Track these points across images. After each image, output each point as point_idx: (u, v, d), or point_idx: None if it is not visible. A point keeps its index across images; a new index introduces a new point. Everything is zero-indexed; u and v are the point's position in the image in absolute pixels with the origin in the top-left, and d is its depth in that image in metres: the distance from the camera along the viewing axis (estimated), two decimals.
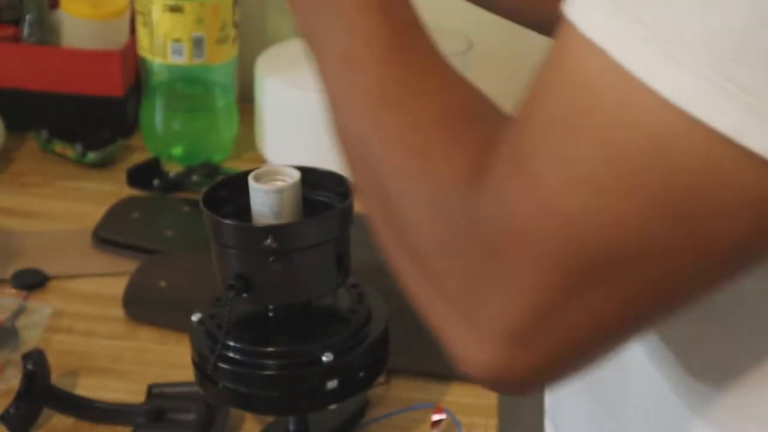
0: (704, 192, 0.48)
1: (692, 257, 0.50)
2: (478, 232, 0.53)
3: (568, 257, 0.50)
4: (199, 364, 0.89)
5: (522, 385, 0.55)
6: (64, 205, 1.31)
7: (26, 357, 0.98)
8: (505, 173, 0.52)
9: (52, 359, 1.00)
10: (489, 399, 1.03)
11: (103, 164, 1.38)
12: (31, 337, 1.08)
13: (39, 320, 1.11)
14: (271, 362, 0.86)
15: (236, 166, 1.36)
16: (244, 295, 0.84)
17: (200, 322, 0.89)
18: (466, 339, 0.54)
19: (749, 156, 0.47)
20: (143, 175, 1.34)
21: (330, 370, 0.86)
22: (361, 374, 0.88)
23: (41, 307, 1.13)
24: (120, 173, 1.35)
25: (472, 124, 0.57)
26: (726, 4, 0.46)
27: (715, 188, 0.48)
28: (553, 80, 0.51)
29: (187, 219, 1.26)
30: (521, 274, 0.51)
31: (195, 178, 1.32)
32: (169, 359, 1.07)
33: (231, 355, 0.86)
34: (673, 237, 0.49)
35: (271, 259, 0.83)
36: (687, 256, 0.50)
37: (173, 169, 1.35)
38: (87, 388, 1.03)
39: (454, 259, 0.54)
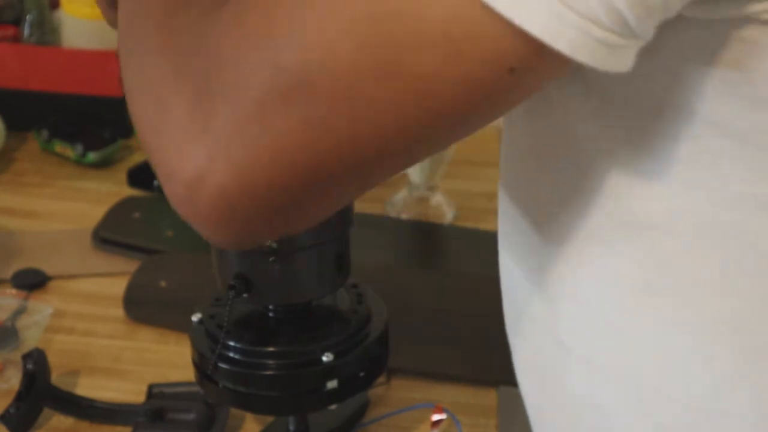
0: (402, 19, 0.51)
1: (378, 90, 0.53)
2: (206, 54, 0.58)
3: (271, 79, 0.54)
4: (200, 364, 0.89)
5: (217, 207, 0.57)
6: (64, 205, 1.31)
7: (26, 357, 0.98)
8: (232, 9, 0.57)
9: (52, 359, 1.00)
10: (489, 399, 1.03)
11: (103, 164, 1.38)
12: (31, 337, 1.08)
13: (39, 320, 1.11)
14: (271, 362, 0.86)
15: None
16: (244, 295, 0.84)
17: (200, 322, 0.89)
18: (178, 147, 0.57)
19: None
20: (143, 175, 1.34)
21: (330, 370, 0.86)
22: (361, 374, 0.88)
23: (41, 307, 1.13)
24: (120, 173, 1.35)
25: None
26: None
27: (412, 17, 0.51)
28: None
29: None
30: (235, 91, 0.55)
31: None
32: (169, 359, 1.07)
33: (231, 355, 0.86)
34: (364, 63, 0.52)
35: (271, 259, 0.83)
36: (373, 85, 0.53)
37: None
38: (87, 388, 1.03)
39: (186, 78, 0.58)
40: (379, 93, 0.53)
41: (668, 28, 0.55)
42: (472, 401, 1.02)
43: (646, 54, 0.55)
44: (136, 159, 1.38)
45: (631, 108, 0.60)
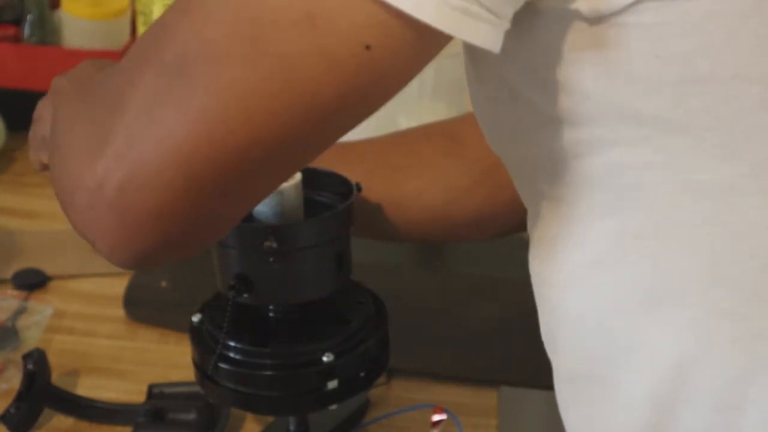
0: (266, 1, 0.54)
1: (245, 71, 0.55)
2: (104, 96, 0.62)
3: (155, 80, 0.57)
4: (200, 364, 0.89)
5: (115, 209, 0.60)
6: None
7: (27, 357, 0.98)
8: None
9: (52, 359, 1.00)
10: (489, 399, 1.03)
11: None
12: (31, 337, 1.08)
13: (39, 320, 1.11)
14: (271, 362, 0.86)
15: None
16: (245, 295, 0.84)
17: (200, 322, 0.89)
18: (81, 164, 0.61)
19: None
20: None
21: (330, 370, 0.86)
22: (362, 374, 0.88)
23: (42, 307, 1.13)
24: None
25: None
26: None
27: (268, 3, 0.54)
28: None
29: None
30: (126, 102, 0.59)
31: None
32: (169, 359, 1.07)
33: (231, 355, 0.86)
34: (231, 46, 0.55)
35: (271, 259, 0.83)
36: (240, 67, 0.55)
37: None
38: (87, 388, 1.03)
39: (88, 114, 0.63)
40: (246, 74, 0.55)
41: (534, 18, 0.58)
42: (472, 401, 1.02)
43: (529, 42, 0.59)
44: None
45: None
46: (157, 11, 1.32)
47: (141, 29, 1.35)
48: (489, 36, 0.56)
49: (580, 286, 0.67)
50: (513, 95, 0.64)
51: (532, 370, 0.87)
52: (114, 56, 1.39)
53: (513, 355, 1.06)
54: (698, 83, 0.58)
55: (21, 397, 0.96)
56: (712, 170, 0.60)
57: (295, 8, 0.54)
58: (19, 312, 1.12)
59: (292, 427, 0.93)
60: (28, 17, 1.42)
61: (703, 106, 0.58)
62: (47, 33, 1.43)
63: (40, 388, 0.97)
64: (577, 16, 0.58)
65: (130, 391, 1.02)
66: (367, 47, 0.54)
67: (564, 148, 0.63)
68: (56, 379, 1.01)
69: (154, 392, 1.01)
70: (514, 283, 0.96)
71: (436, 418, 0.98)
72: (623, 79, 0.59)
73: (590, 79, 0.59)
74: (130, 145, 0.58)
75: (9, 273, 1.17)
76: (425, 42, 0.56)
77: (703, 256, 0.62)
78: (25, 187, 1.34)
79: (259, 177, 0.59)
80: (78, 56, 1.39)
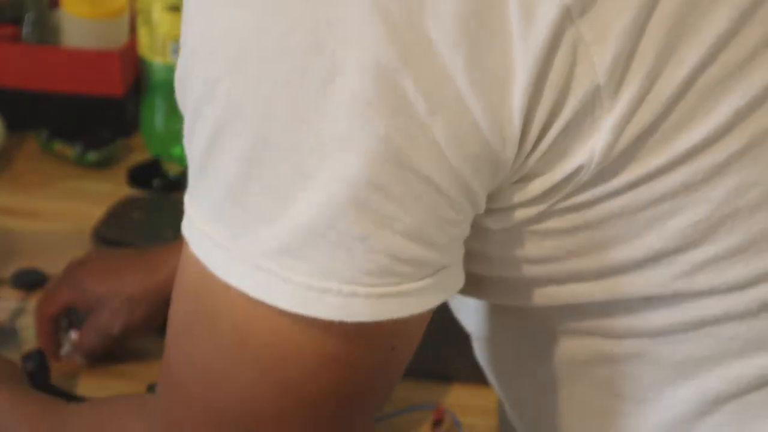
0: (284, 362, 0.58)
1: (299, 416, 0.60)
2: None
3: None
4: None
5: None
6: (64, 205, 1.31)
7: (26, 357, 0.98)
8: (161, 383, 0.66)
9: (52, 359, 1.00)
10: (489, 400, 1.03)
11: (103, 164, 1.37)
12: (31, 337, 1.08)
13: None
14: None
15: None
16: None
17: None
18: None
19: (313, 325, 0.56)
20: (143, 175, 1.34)
21: None
22: None
23: None
24: (120, 173, 1.35)
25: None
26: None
27: (292, 357, 0.58)
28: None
29: None
30: None
31: None
32: None
33: None
34: (277, 401, 0.59)
35: None
36: (294, 416, 0.60)
37: (173, 169, 1.34)
38: (87, 388, 1.03)
39: None
40: (298, 426, 0.61)
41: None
42: (472, 402, 1.02)
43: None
44: (136, 159, 1.38)
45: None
46: (156, 11, 1.32)
47: (140, 28, 1.35)
48: (457, 279, 0.65)
49: (553, 393, 0.72)
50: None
51: None
52: (113, 56, 1.39)
53: None
54: (641, 265, 0.62)
55: None
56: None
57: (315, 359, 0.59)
58: (19, 312, 1.11)
59: None
60: (27, 16, 1.42)
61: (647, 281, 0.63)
62: (46, 32, 1.42)
63: (39, 389, 0.96)
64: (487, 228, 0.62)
65: (130, 391, 1.02)
66: (393, 348, 0.64)
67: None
68: (56, 379, 1.01)
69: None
70: None
71: (436, 418, 0.98)
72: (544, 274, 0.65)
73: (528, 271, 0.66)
74: None
75: (8, 273, 1.17)
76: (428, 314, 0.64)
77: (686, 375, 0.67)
78: (24, 187, 1.34)
79: None
80: (78, 56, 1.40)
